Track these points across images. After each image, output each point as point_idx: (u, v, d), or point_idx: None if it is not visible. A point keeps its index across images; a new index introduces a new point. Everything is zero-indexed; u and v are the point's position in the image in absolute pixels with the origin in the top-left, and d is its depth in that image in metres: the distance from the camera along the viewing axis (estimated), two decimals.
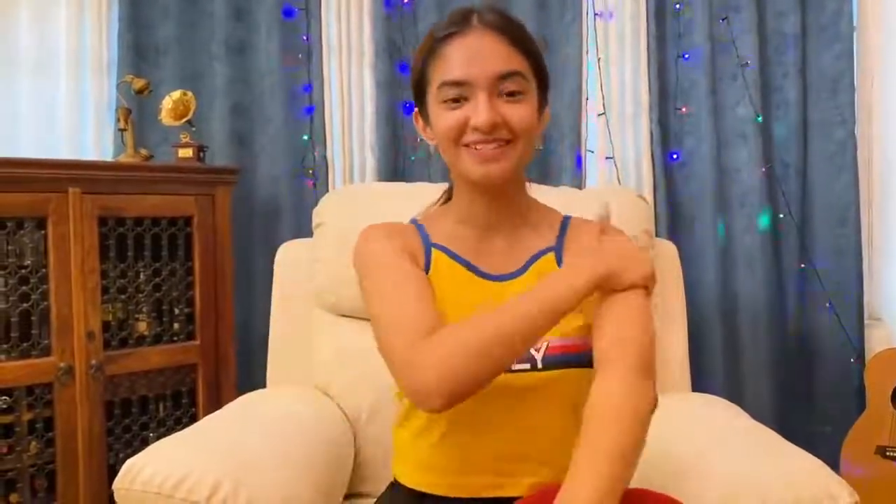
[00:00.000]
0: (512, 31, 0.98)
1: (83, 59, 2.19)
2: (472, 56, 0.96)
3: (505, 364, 0.92)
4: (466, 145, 0.98)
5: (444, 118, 0.98)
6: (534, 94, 1.00)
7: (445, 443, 1.04)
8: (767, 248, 2.20)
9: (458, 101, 0.97)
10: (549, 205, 1.15)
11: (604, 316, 0.95)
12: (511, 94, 0.97)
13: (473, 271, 1.06)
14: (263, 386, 1.68)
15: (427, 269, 1.06)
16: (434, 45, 0.99)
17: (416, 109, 1.07)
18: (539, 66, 1.01)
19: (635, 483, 0.86)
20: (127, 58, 2.18)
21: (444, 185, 1.18)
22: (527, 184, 1.10)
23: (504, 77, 0.96)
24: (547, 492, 0.87)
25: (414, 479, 1.09)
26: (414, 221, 1.14)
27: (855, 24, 2.22)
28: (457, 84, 0.96)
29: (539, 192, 1.16)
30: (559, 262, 1.06)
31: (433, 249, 1.07)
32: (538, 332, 0.91)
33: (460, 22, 0.98)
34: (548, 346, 1.00)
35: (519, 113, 0.97)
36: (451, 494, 1.04)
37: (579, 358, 1.00)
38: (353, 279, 1.06)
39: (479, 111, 0.95)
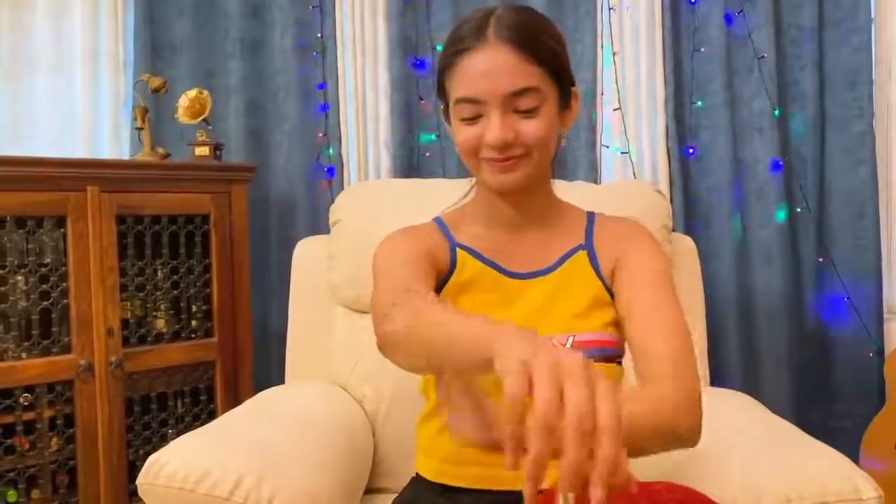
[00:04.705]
0: (528, 43, 0.94)
1: (99, 57, 2.22)
2: (485, 73, 0.94)
3: (418, 361, 0.81)
4: (484, 157, 0.99)
5: (461, 133, 0.99)
6: (551, 103, 0.98)
7: None
8: (785, 242, 2.18)
9: (474, 117, 0.96)
10: (565, 200, 1.15)
11: (636, 318, 0.97)
12: (525, 110, 0.95)
13: (501, 271, 1.06)
14: (281, 382, 1.69)
15: (453, 268, 1.07)
16: (450, 58, 0.98)
17: (443, 107, 1.06)
18: (558, 70, 0.98)
19: (658, 478, 0.86)
20: (143, 56, 2.20)
21: (460, 181, 1.18)
22: (552, 182, 1.10)
23: (517, 94, 0.94)
24: None
25: (439, 473, 1.09)
26: (438, 220, 1.14)
27: (872, 16, 2.20)
28: (471, 101, 0.96)
29: (556, 188, 1.15)
30: (592, 259, 1.07)
31: (458, 249, 1.08)
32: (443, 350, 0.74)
33: (476, 34, 0.95)
34: (573, 340, 1.00)
35: (533, 128, 0.96)
36: (477, 486, 1.05)
37: (607, 352, 1.00)
38: (371, 275, 1.06)
39: (491, 130, 0.95)
